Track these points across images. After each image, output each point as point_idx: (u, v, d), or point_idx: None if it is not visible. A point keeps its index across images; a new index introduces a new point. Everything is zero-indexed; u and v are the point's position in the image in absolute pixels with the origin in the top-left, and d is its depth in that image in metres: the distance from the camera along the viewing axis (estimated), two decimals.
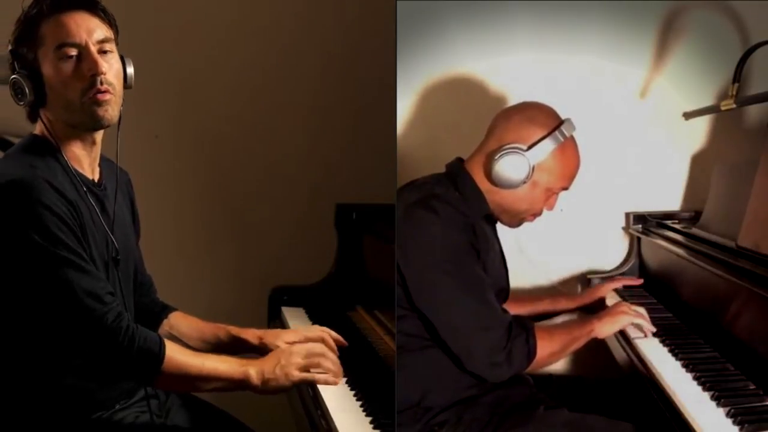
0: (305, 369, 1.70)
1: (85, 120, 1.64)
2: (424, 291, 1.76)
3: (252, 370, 1.65)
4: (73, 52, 1.62)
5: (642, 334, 1.94)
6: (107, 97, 1.63)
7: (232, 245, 2.90)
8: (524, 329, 1.76)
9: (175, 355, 1.61)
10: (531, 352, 1.75)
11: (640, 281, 2.42)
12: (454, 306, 1.75)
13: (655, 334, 1.95)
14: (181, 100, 2.80)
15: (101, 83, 1.62)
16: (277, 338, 1.88)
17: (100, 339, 1.55)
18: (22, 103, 1.64)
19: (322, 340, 1.85)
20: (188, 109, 2.83)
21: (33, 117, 1.69)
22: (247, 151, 2.89)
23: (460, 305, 1.74)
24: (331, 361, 1.75)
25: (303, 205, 2.89)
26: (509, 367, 1.75)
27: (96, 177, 1.73)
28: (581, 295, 2.35)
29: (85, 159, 1.70)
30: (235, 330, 1.91)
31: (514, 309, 2.15)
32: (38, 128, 1.70)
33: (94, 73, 1.62)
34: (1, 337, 1.61)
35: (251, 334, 1.90)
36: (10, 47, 1.65)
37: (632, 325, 1.94)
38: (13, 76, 1.63)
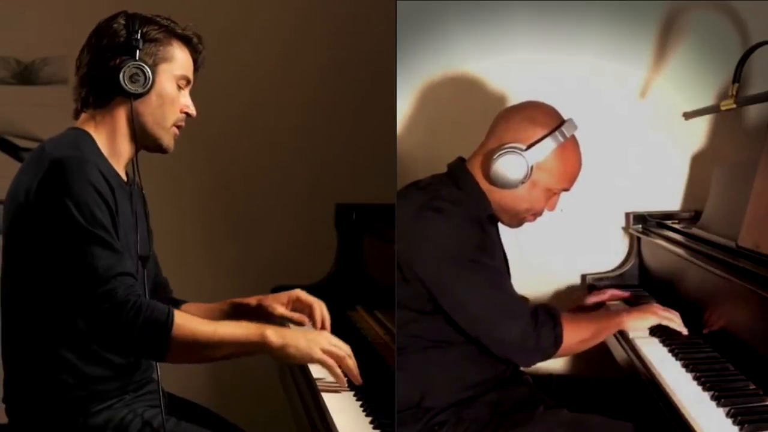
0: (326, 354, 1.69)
1: (164, 139, 1.77)
2: (447, 290, 1.77)
3: (269, 331, 1.63)
4: (184, 83, 1.80)
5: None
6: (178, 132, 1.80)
7: (232, 245, 2.91)
8: (551, 316, 1.79)
9: (185, 322, 1.59)
10: (558, 338, 1.77)
11: (627, 294, 2.34)
12: (479, 300, 1.76)
13: (654, 334, 1.95)
14: None
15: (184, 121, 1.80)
16: (274, 300, 1.94)
17: (107, 311, 1.55)
18: (135, 90, 1.71)
19: (311, 306, 1.92)
20: None
21: (88, 103, 1.75)
22: (247, 150, 2.89)
23: (484, 298, 1.76)
24: (353, 363, 1.72)
25: (303, 206, 2.89)
26: (539, 353, 1.79)
27: (125, 178, 1.79)
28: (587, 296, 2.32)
29: (122, 161, 1.76)
30: (237, 300, 1.98)
31: None
32: (81, 121, 1.76)
33: (189, 112, 1.80)
34: (16, 305, 1.66)
35: (251, 299, 1.97)
36: (138, 36, 1.72)
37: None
38: (139, 64, 1.71)
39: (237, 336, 1.62)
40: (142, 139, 1.76)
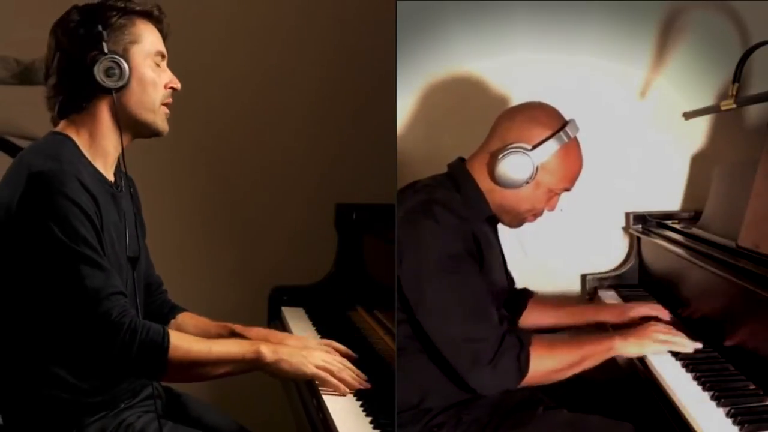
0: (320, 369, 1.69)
1: (156, 122, 1.73)
2: (419, 299, 1.75)
3: (264, 347, 1.64)
4: (160, 59, 1.73)
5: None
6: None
7: (232, 245, 2.90)
8: (518, 344, 1.70)
9: (181, 342, 1.58)
10: (522, 369, 1.68)
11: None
12: (444, 315, 1.73)
13: None
14: (181, 100, 2.79)
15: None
16: (281, 343, 1.83)
17: (102, 334, 1.54)
18: (114, 84, 1.65)
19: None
20: (188, 109, 2.82)
21: (68, 110, 1.69)
22: (247, 151, 2.89)
23: (449, 315, 1.72)
24: (351, 374, 1.74)
25: (303, 205, 2.89)
26: (495, 382, 1.71)
27: (112, 179, 1.74)
28: (610, 309, 2.24)
29: (108, 159, 1.72)
30: (239, 328, 1.90)
31: (537, 316, 2.15)
32: (61, 126, 1.70)
33: (174, 86, 1.74)
34: (5, 325, 1.62)
35: (255, 333, 1.88)
36: (100, 28, 1.65)
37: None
38: (112, 57, 1.64)
39: (232, 354, 1.63)
40: (134, 128, 1.71)
